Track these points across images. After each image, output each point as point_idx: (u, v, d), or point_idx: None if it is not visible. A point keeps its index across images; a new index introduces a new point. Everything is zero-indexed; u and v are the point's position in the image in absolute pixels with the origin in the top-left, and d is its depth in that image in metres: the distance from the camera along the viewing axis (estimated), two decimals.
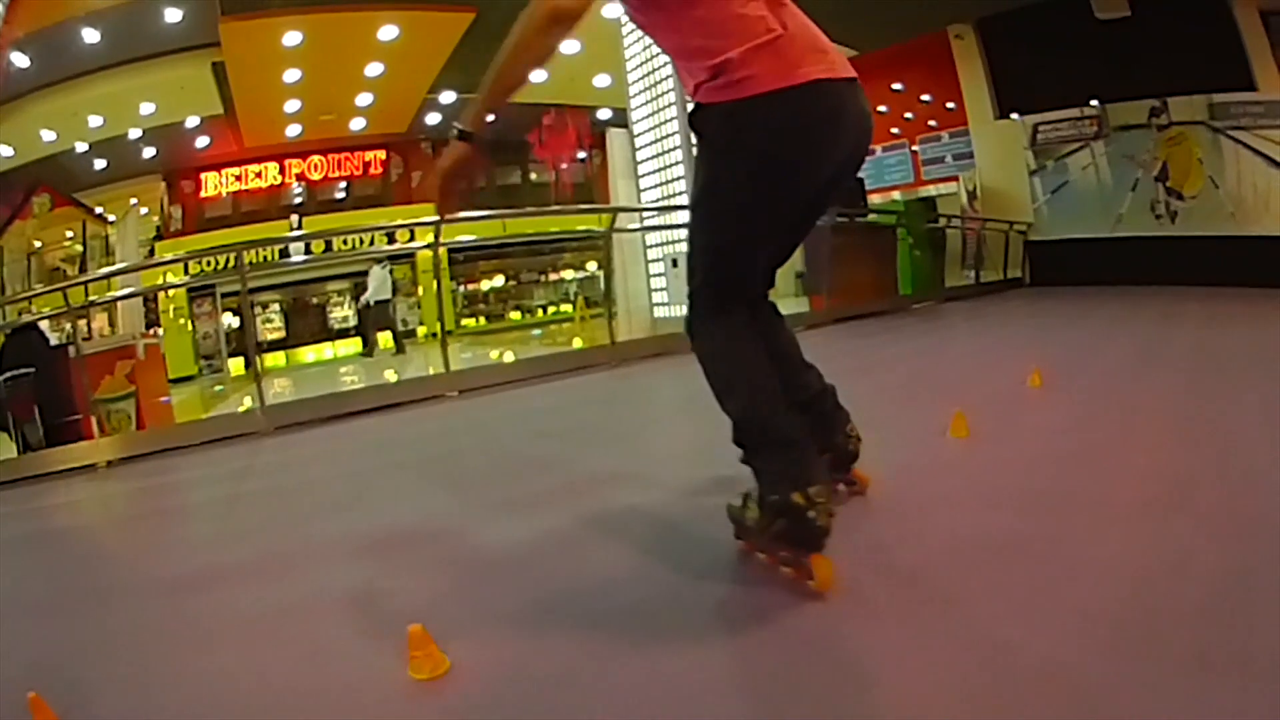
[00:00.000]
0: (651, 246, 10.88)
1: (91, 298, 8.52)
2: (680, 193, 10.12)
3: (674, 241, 10.35)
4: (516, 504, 2.97)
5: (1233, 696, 1.19)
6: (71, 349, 8.12)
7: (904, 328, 8.94)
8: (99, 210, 16.44)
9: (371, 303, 14.91)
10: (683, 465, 3.31)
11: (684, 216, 9.75)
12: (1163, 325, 6.99)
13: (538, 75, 13.38)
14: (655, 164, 10.68)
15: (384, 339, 15.33)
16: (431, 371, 7.53)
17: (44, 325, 8.06)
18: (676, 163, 10.24)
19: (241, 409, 7.05)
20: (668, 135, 10.35)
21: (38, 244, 15.79)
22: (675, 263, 10.27)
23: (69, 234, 16.05)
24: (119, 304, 8.63)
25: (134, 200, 16.52)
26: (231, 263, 7.20)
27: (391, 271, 15.53)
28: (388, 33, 13.56)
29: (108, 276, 9.66)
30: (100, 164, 16.04)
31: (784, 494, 1.81)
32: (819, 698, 1.39)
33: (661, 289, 10.65)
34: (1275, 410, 3.14)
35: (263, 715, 1.57)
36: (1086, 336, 6.49)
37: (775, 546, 1.91)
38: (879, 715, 1.35)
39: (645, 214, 10.57)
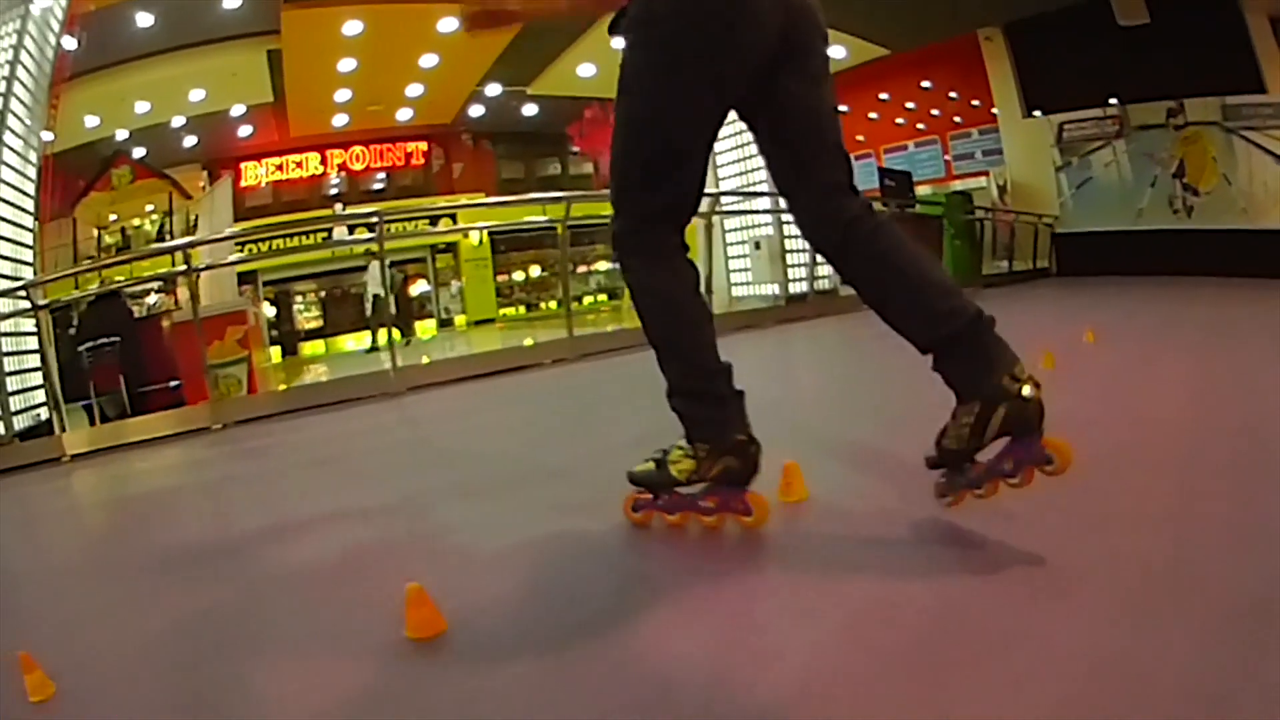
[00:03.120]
0: (730, 231, 11.36)
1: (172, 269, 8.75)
2: (761, 181, 10.58)
3: (754, 226, 10.83)
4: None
5: None
6: (174, 314, 8.27)
7: None
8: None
9: (373, 296, 15.02)
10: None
11: (765, 203, 10.37)
12: (1184, 305, 7.88)
13: (586, 70, 13.75)
14: (735, 154, 11.14)
15: (381, 333, 15.43)
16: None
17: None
18: (755, 154, 10.71)
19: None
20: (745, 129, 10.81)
21: (112, 217, 15.57)
22: (758, 245, 10.77)
23: (149, 207, 15.89)
24: (205, 274, 8.76)
25: (149, 207, 16.37)
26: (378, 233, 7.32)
27: (392, 265, 15.69)
28: (447, 24, 13.76)
29: (182, 247, 9.73)
30: (139, 152, 15.97)
31: (730, 434, 1.88)
32: None
33: (742, 270, 11.13)
34: (1272, 356, 4.30)
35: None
36: (1121, 311, 7.53)
37: (717, 485, 1.93)
38: None
39: (722, 201, 11.03)
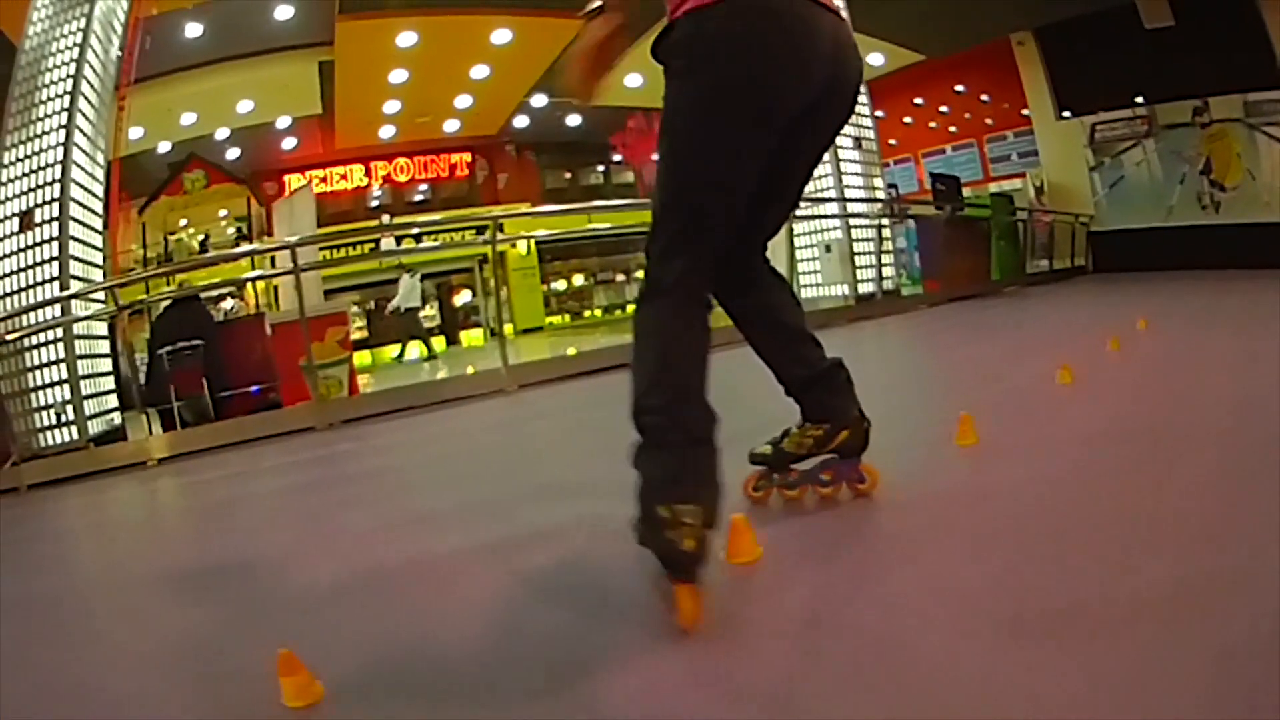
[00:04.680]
0: (799, 235, 11.64)
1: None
2: (828, 187, 10.89)
3: (822, 230, 11.12)
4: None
5: None
6: (268, 316, 8.22)
7: (1015, 303, 10.34)
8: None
9: (402, 309, 15.08)
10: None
11: (833, 208, 10.66)
12: (1218, 296, 8.27)
13: (632, 80, 13.96)
14: None
15: (418, 345, 15.51)
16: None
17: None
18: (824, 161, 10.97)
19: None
20: None
21: (182, 222, 15.40)
22: (829, 248, 11.07)
23: (222, 212, 15.78)
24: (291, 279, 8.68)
25: (223, 212, 16.27)
26: (490, 233, 7.45)
27: (422, 279, 15.80)
28: (500, 36, 13.94)
29: (254, 253, 9.63)
30: None
31: (649, 504, 1.52)
32: None
33: (812, 272, 11.40)
34: None
35: None
36: (1163, 303, 7.97)
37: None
38: None
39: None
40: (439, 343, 15.87)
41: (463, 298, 19.42)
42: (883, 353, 7.15)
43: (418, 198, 19.97)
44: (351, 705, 1.39)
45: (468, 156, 20.02)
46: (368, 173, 19.10)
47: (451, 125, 18.63)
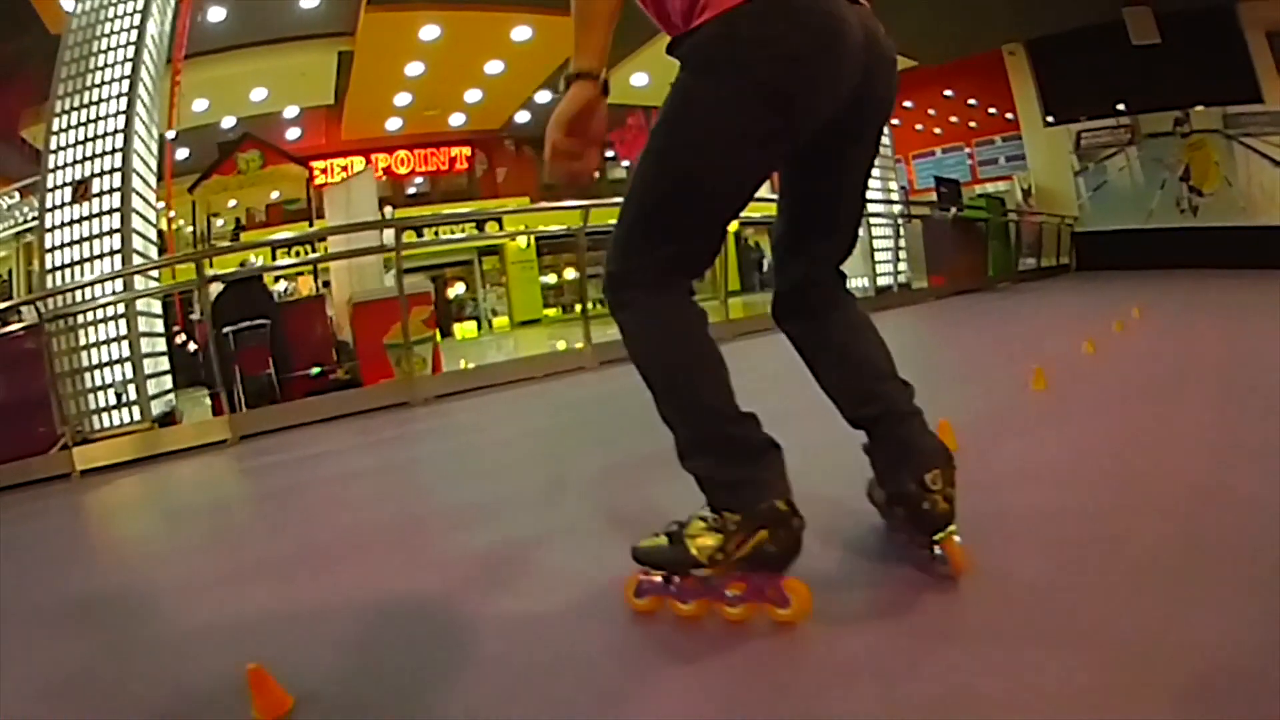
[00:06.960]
0: None
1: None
2: None
3: None
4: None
5: None
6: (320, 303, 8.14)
7: (1014, 296, 11.11)
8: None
9: None
10: None
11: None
12: (1198, 291, 9.22)
13: (639, 79, 14.10)
14: None
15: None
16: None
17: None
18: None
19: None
20: None
21: (232, 203, 14.99)
22: None
23: (274, 194, 15.50)
24: (353, 262, 8.53)
25: (275, 194, 16.12)
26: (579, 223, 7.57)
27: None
28: (521, 33, 13.96)
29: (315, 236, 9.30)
30: (182, 154, 15.35)
31: (766, 499, 1.52)
32: None
33: None
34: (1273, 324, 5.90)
35: None
36: (1149, 296, 8.66)
37: (747, 569, 1.54)
38: None
39: None
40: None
41: (456, 290, 19.43)
42: (935, 332, 7.89)
43: (411, 190, 19.98)
44: None
45: (467, 150, 20.06)
46: (368, 164, 18.71)
47: (457, 119, 18.61)
